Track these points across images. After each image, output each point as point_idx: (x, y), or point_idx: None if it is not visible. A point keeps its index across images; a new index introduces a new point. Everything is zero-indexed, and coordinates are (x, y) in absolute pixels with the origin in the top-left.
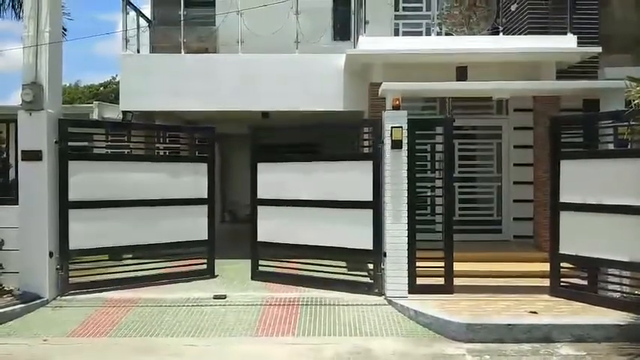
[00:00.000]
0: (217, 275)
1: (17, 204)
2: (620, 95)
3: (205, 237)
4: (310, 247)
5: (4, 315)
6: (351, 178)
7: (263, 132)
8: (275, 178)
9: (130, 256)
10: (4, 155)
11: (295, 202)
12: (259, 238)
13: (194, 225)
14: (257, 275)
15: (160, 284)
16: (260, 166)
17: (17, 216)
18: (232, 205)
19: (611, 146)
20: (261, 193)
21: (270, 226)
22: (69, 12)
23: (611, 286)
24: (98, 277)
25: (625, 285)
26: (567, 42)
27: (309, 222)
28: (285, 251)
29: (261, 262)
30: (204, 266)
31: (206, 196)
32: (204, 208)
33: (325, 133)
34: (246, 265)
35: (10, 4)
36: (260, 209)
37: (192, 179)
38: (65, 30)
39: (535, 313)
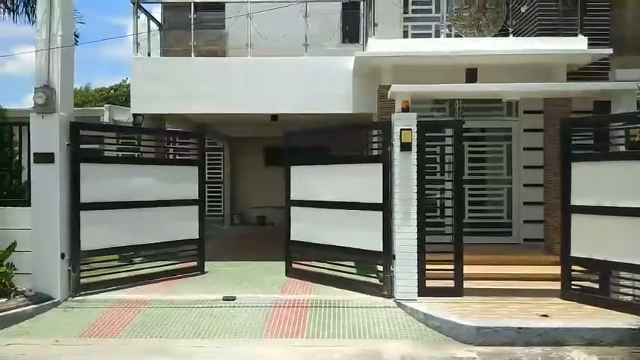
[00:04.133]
0: (207, 272)
1: (30, 206)
2: (632, 97)
3: (197, 236)
4: (329, 247)
5: (17, 316)
6: (361, 181)
7: (294, 136)
8: (300, 181)
9: (138, 256)
10: (17, 158)
11: (315, 203)
12: (292, 237)
13: (188, 225)
14: (290, 272)
15: (162, 281)
16: (292, 169)
17: (29, 218)
18: (241, 209)
19: (622, 148)
20: (292, 195)
21: (299, 226)
22: (81, 15)
23: (623, 290)
24: (105, 277)
25: (637, 288)
26: (578, 43)
27: (327, 223)
28: (309, 250)
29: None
30: (196, 263)
31: (197, 197)
32: (196, 209)
33: (343, 136)
34: (255, 266)
35: (24, 10)
36: (292, 210)
37: (187, 181)
38: (77, 36)
39: (546, 316)
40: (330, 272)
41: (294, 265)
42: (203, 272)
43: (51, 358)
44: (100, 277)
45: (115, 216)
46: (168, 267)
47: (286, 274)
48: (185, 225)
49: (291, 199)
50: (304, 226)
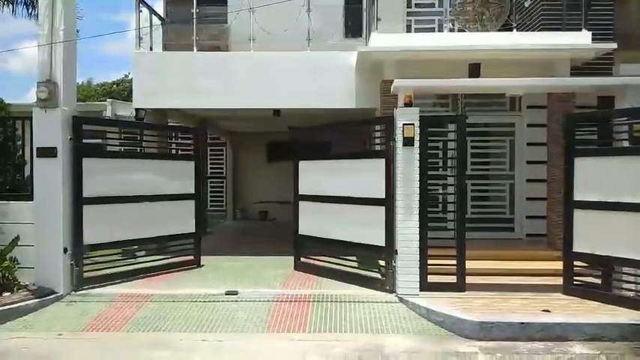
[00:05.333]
0: (203, 265)
1: (32, 200)
2: (636, 92)
3: (193, 230)
4: (333, 242)
5: (20, 310)
6: (364, 176)
7: (303, 131)
8: (307, 176)
9: (141, 249)
10: (20, 152)
11: (321, 197)
12: (300, 232)
13: (186, 219)
14: (299, 266)
15: (161, 275)
16: (301, 164)
17: (32, 212)
18: (243, 204)
19: (625, 143)
20: (300, 190)
21: (305, 220)
22: (81, 9)
23: (625, 285)
24: (107, 272)
25: None
26: (582, 38)
27: (332, 217)
28: (315, 244)
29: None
30: (192, 257)
31: (194, 192)
32: (193, 204)
33: (350, 132)
34: (257, 261)
35: (23, 2)
36: (300, 204)
37: (184, 176)
38: (77, 31)
39: (548, 311)
40: (334, 266)
41: (302, 259)
42: (199, 266)
43: (54, 351)
44: (101, 272)
45: (116, 210)
46: (167, 261)
47: (295, 268)
48: (183, 219)
49: (299, 193)
50: (310, 221)
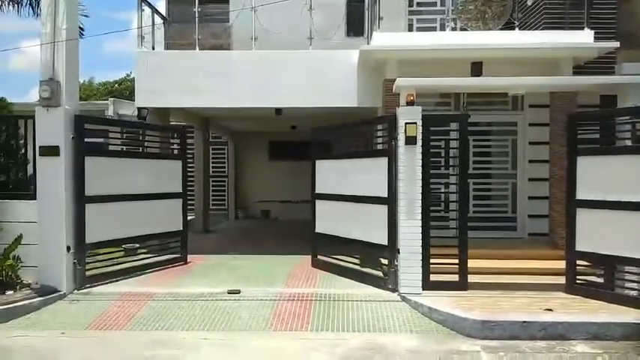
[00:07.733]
0: (190, 262)
1: (35, 199)
2: (639, 91)
3: (181, 227)
4: (340, 239)
5: (23, 308)
6: (368, 175)
7: (320, 131)
8: (319, 175)
9: (143, 247)
10: (23, 151)
11: (329, 196)
12: (317, 230)
13: (175, 217)
14: (315, 263)
15: (156, 272)
16: (317, 163)
17: (35, 211)
18: (245, 203)
19: (628, 142)
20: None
21: (319, 219)
22: (85, 8)
23: (628, 284)
24: (106, 270)
25: None
26: (584, 37)
27: (340, 215)
28: (325, 242)
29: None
30: (179, 255)
31: (181, 191)
32: (181, 202)
33: (360, 131)
34: (259, 259)
35: (28, 2)
36: (316, 203)
37: (174, 175)
38: (82, 29)
39: (551, 310)
40: (343, 264)
41: (318, 256)
42: (186, 263)
43: (57, 349)
44: (101, 270)
45: (116, 209)
46: (155, 259)
47: (312, 265)
48: (173, 217)
49: (315, 192)
50: (322, 219)
